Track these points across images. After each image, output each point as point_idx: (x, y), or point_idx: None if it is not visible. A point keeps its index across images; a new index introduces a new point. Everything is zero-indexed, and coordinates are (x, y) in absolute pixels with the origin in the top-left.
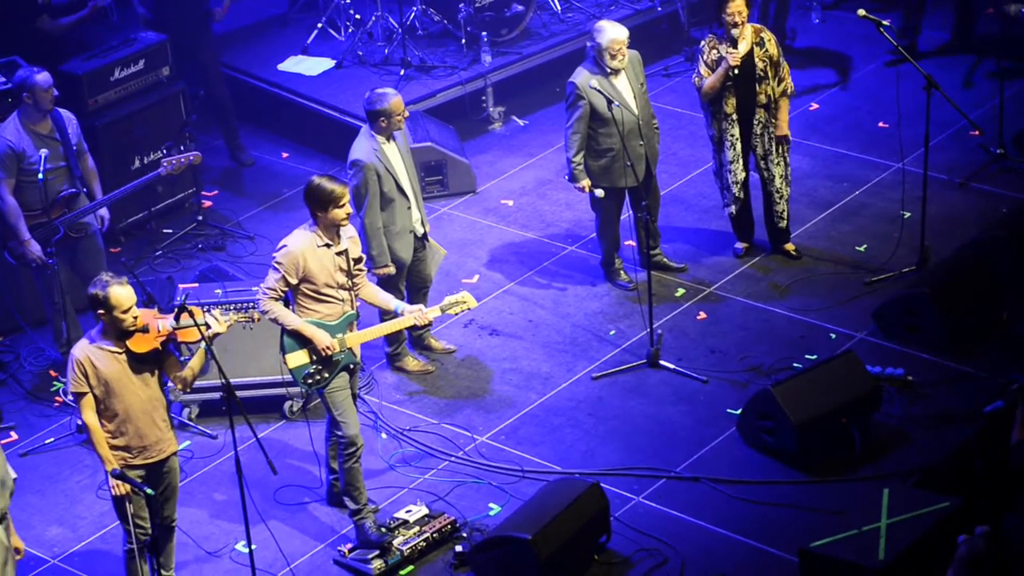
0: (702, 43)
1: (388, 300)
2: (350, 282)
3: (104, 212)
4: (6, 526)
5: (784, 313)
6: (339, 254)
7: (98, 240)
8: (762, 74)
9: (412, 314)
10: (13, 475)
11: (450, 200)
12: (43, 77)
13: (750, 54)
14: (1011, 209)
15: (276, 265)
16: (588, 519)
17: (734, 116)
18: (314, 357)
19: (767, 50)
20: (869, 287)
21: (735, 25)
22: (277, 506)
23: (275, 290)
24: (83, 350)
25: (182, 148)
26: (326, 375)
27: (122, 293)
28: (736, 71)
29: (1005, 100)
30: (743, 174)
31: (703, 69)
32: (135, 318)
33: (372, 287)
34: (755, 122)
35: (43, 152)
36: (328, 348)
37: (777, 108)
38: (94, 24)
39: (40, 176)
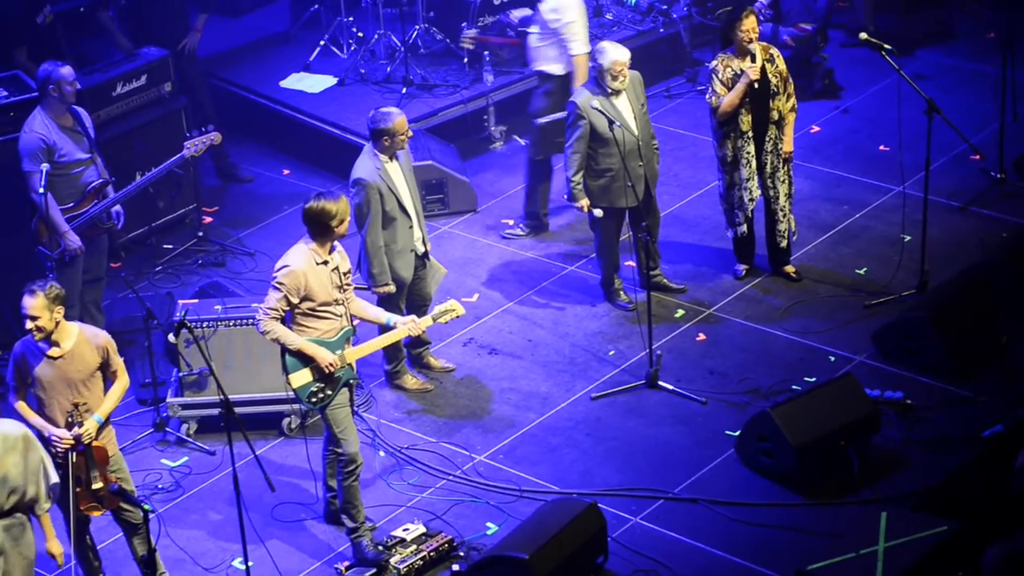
0: (714, 62)
1: (378, 314)
2: (343, 297)
3: (119, 208)
4: (7, 525)
5: (783, 335)
6: (333, 270)
7: (106, 239)
8: (775, 90)
9: (405, 325)
10: (53, 479)
11: (451, 218)
12: (67, 70)
13: (763, 70)
14: (1011, 234)
15: (278, 285)
16: (585, 539)
17: (750, 134)
18: (316, 375)
19: (777, 66)
20: (869, 310)
21: (750, 41)
22: (274, 523)
23: (276, 310)
24: (22, 345)
25: (203, 130)
26: (329, 392)
27: (26, 301)
28: (756, 86)
29: (1006, 125)
30: (758, 192)
31: (719, 88)
32: (38, 328)
33: (360, 301)
34: (767, 139)
35: (44, 167)
36: (331, 365)
37: (785, 124)
38: (96, 39)
39: (41, 191)
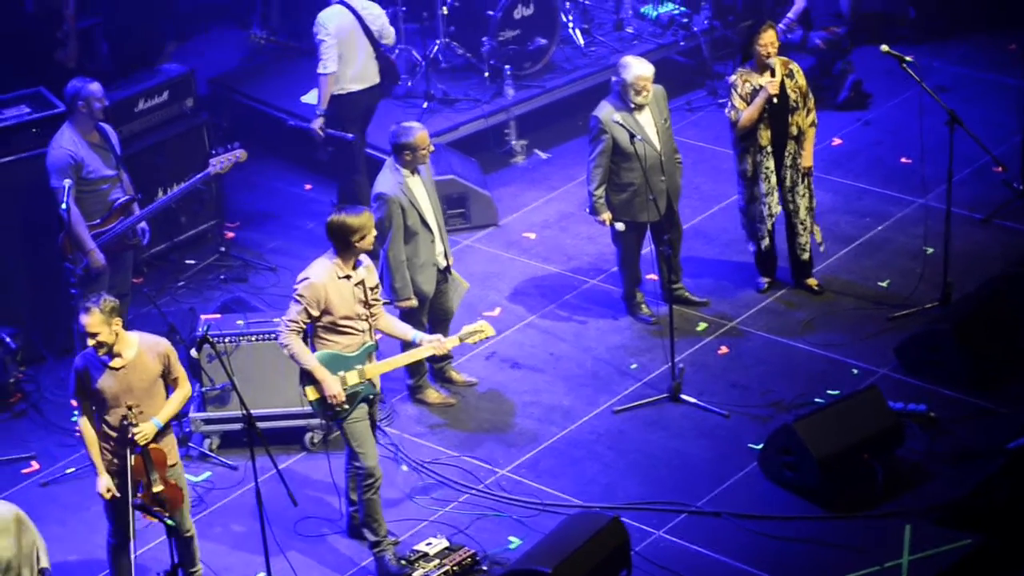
0: (733, 77)
1: (405, 330)
2: (368, 312)
3: (144, 224)
4: None
5: (806, 348)
6: (357, 285)
7: (131, 256)
8: (795, 105)
9: (431, 343)
10: (44, 563)
11: (472, 233)
12: (96, 87)
13: (783, 85)
14: None
15: (298, 298)
16: (608, 553)
17: (769, 148)
18: None
19: (797, 81)
20: (892, 322)
21: (768, 56)
22: (297, 538)
23: (297, 323)
24: (83, 358)
25: (228, 147)
26: (346, 406)
27: (83, 319)
28: (775, 100)
29: None
30: (778, 207)
31: (738, 102)
32: (99, 344)
33: (389, 317)
34: (786, 154)
35: (67, 183)
36: (335, 397)
37: (805, 139)
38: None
39: (64, 206)
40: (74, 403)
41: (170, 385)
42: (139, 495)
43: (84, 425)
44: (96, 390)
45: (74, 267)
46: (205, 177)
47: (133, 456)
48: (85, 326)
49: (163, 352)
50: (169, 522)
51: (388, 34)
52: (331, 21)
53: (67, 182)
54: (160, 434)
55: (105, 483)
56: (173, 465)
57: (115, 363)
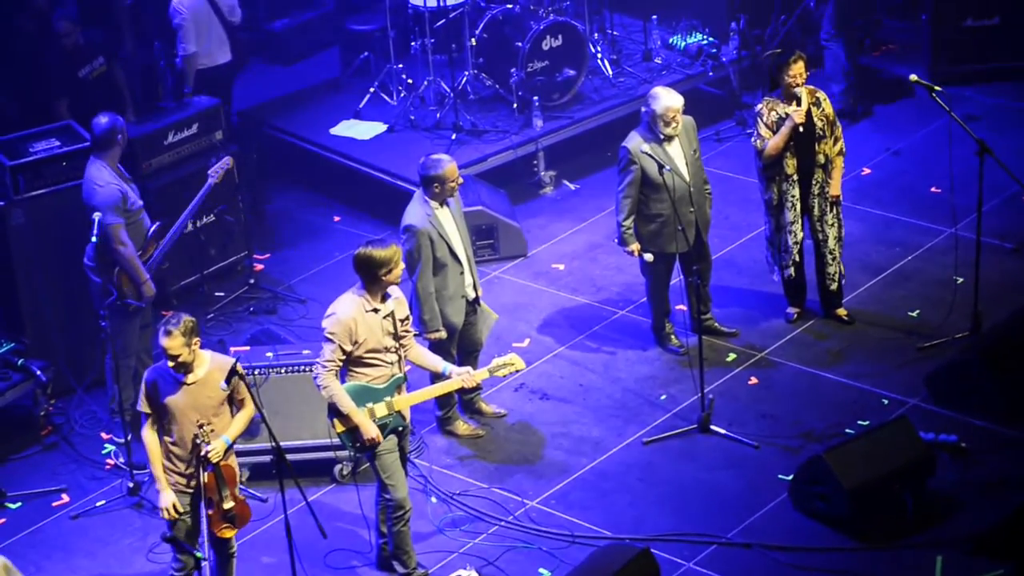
0: (759, 106)
1: (436, 362)
2: (397, 344)
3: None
4: None
5: (836, 378)
6: (386, 317)
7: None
8: (821, 133)
9: (460, 376)
10: None
11: (501, 264)
12: (121, 119)
13: (809, 114)
14: None
15: (329, 336)
16: None
17: (795, 177)
18: None
19: (823, 109)
20: (922, 352)
21: (796, 86)
22: (327, 570)
23: (333, 362)
24: (154, 372)
25: (218, 158)
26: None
27: (164, 342)
28: (801, 129)
29: None
30: (802, 235)
31: (764, 131)
32: (179, 365)
33: (419, 348)
34: (813, 182)
35: (96, 216)
36: (372, 440)
37: (832, 167)
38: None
39: (94, 238)
40: (119, 461)
41: (236, 405)
42: (209, 513)
43: (149, 438)
44: (164, 404)
45: (134, 301)
46: (208, 190)
47: (205, 474)
48: (166, 349)
49: (233, 371)
50: (199, 555)
51: (236, 13)
52: (185, 5)
53: (97, 215)
54: (227, 451)
55: (169, 499)
56: (238, 483)
57: (188, 378)
